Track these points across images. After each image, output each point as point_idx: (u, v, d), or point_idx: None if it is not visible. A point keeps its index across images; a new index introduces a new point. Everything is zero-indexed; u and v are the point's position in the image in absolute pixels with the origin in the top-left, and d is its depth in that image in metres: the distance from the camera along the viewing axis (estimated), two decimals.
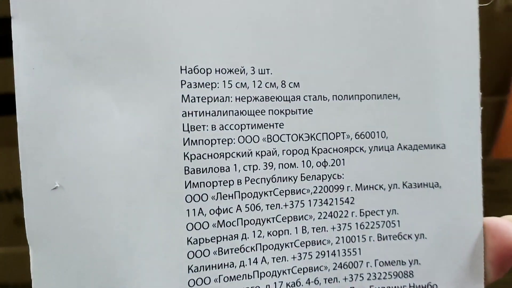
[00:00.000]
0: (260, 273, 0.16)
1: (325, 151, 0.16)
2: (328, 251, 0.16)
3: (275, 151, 0.16)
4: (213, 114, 0.15)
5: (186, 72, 0.15)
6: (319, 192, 0.16)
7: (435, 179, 0.17)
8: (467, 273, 0.17)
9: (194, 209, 0.15)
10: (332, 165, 0.16)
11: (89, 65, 0.14)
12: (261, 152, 0.16)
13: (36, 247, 0.14)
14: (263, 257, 0.16)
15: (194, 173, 0.15)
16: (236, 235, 0.15)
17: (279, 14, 0.15)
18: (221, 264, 0.15)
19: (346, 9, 0.16)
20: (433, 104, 0.17)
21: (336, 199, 0.16)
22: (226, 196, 0.15)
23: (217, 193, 0.15)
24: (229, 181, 0.15)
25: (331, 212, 0.16)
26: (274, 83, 0.16)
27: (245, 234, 0.15)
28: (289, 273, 0.16)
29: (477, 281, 0.17)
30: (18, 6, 0.14)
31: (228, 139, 0.15)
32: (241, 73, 0.15)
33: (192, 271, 0.15)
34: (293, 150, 0.16)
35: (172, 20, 0.15)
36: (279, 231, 0.16)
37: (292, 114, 0.16)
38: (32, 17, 0.14)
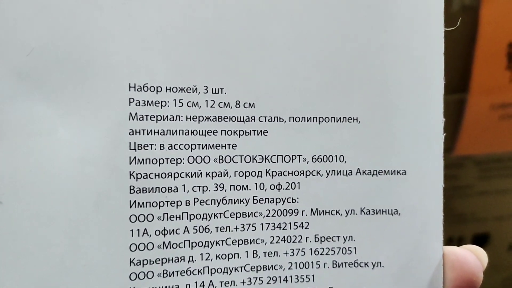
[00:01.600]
0: None
1: (279, 174, 0.16)
2: (280, 277, 0.16)
3: (227, 172, 0.15)
4: (162, 133, 0.15)
5: (134, 90, 0.14)
6: (272, 216, 0.16)
7: (395, 206, 0.16)
8: None
9: (138, 230, 0.14)
10: (286, 189, 0.16)
11: (34, 80, 0.14)
12: (212, 173, 0.15)
13: None
14: (211, 281, 0.15)
15: (139, 192, 0.14)
16: (182, 258, 0.15)
17: (236, 32, 0.15)
18: (166, 287, 0.15)
19: (306, 29, 0.16)
20: (394, 128, 0.16)
21: (289, 223, 0.16)
22: (173, 217, 0.15)
23: (164, 214, 0.15)
24: (177, 201, 0.15)
25: (284, 236, 0.16)
26: (228, 103, 0.15)
27: (192, 256, 0.15)
28: None
29: None
30: None
31: (177, 159, 0.15)
32: (193, 92, 0.15)
33: None
34: (245, 172, 0.15)
35: (121, 36, 0.14)
36: (228, 255, 0.15)
37: (246, 135, 0.15)
38: None
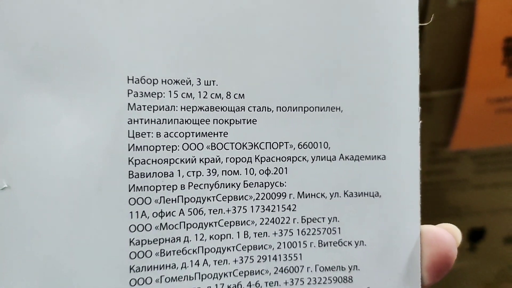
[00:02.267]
0: (202, 275, 0.16)
1: (268, 160, 0.17)
2: (269, 256, 0.17)
3: (219, 158, 0.16)
4: (158, 122, 0.16)
5: (133, 82, 0.16)
6: (262, 199, 0.17)
7: (375, 188, 0.17)
8: (404, 279, 0.17)
9: (137, 212, 0.16)
10: (274, 173, 0.17)
11: (39, 72, 0.15)
12: (205, 159, 0.16)
13: None
14: (205, 259, 0.16)
15: (138, 177, 0.16)
16: (178, 238, 0.16)
17: (228, 27, 0.16)
18: (163, 265, 0.16)
19: (292, 27, 0.17)
20: (374, 117, 0.17)
21: (278, 205, 0.17)
22: (169, 200, 0.16)
23: (160, 197, 0.16)
24: (173, 185, 0.16)
25: (273, 218, 0.17)
26: (219, 94, 0.16)
27: (188, 237, 0.16)
28: (230, 275, 0.17)
29: (413, 287, 0.17)
30: None
31: (172, 146, 0.16)
32: (187, 83, 0.16)
33: (134, 271, 0.16)
34: (236, 158, 0.17)
35: (121, 33, 0.15)
36: (221, 235, 0.16)
37: (236, 123, 0.17)
38: None
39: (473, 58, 0.41)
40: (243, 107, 0.17)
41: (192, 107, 0.16)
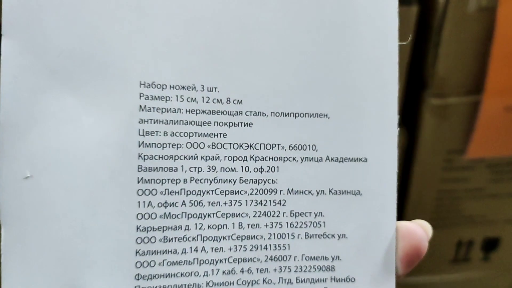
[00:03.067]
0: (200, 260, 0.18)
1: (262, 159, 0.19)
2: (260, 245, 0.19)
3: (218, 156, 0.18)
4: (166, 123, 0.18)
5: (144, 87, 0.18)
6: (255, 194, 0.19)
7: (357, 187, 0.19)
8: (381, 269, 0.19)
9: (144, 202, 0.18)
10: (267, 171, 0.19)
11: (63, 76, 0.17)
12: (206, 156, 0.18)
13: (7, 227, 0.17)
14: (203, 247, 0.18)
15: (146, 171, 0.18)
16: (180, 226, 0.18)
17: (229, 41, 0.18)
18: (166, 250, 0.18)
19: (288, 41, 0.19)
20: (358, 123, 0.19)
21: (269, 200, 0.19)
22: (173, 192, 0.18)
23: (165, 189, 0.18)
24: (176, 179, 0.18)
25: (265, 211, 0.19)
26: (220, 99, 0.18)
27: (188, 226, 0.18)
28: (225, 262, 0.18)
29: (389, 275, 0.19)
30: (8, 27, 0.17)
31: (177, 144, 0.18)
32: (192, 89, 0.18)
33: (140, 255, 0.17)
34: (233, 157, 0.19)
35: (135, 43, 0.18)
36: (218, 225, 0.18)
37: (234, 126, 0.19)
38: (18, 36, 0.17)
39: (492, 64, 0.39)
40: (241, 112, 0.19)
41: (196, 110, 0.18)
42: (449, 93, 0.42)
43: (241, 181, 0.19)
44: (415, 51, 0.46)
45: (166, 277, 0.18)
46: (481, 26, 0.40)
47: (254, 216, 0.19)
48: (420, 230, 0.19)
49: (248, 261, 0.19)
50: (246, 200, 0.19)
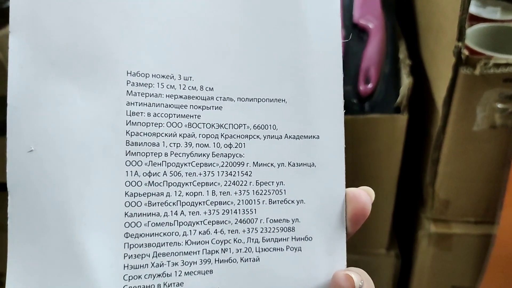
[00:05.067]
0: (179, 222, 0.21)
1: (230, 137, 0.22)
2: (231, 210, 0.22)
3: (193, 134, 0.22)
4: (149, 105, 0.21)
5: (130, 75, 0.21)
6: (225, 166, 0.22)
7: (312, 160, 0.23)
8: (334, 228, 0.23)
9: (131, 171, 0.21)
10: (235, 147, 0.22)
11: (61, 67, 0.20)
12: (183, 134, 0.22)
13: (13, 194, 0.19)
14: (182, 211, 0.21)
15: (133, 145, 0.21)
16: (162, 193, 0.21)
17: (202, 37, 0.22)
18: (150, 213, 0.21)
19: (249, 38, 0.23)
20: (311, 107, 0.23)
21: (238, 172, 0.22)
22: (156, 164, 0.21)
23: (149, 161, 0.21)
24: (158, 153, 0.21)
25: (234, 181, 0.22)
26: (195, 86, 0.22)
27: (169, 192, 0.21)
28: (201, 224, 0.22)
29: (341, 233, 0.23)
30: (15, 25, 0.20)
31: (159, 123, 0.21)
32: (171, 78, 0.22)
33: (128, 216, 0.20)
34: (207, 135, 0.22)
35: (123, 40, 0.21)
36: (194, 193, 0.22)
37: (207, 109, 0.22)
38: (23, 33, 0.20)
39: (509, 193, 0.33)
40: (212, 97, 0.22)
41: (174, 95, 0.22)
42: (452, 219, 0.37)
43: (213, 155, 0.22)
44: (411, 162, 0.42)
45: (151, 236, 0.21)
46: (493, 146, 0.35)
47: (225, 185, 0.22)
48: (364, 194, 0.22)
49: (221, 223, 0.22)
50: (218, 171, 0.22)
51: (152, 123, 0.21)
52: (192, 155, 0.22)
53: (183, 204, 0.21)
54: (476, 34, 0.47)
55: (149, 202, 0.21)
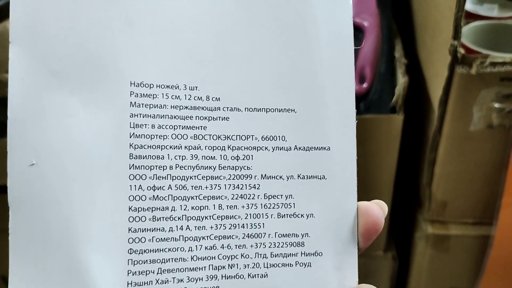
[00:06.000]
0: (185, 238, 0.21)
1: (238, 149, 0.22)
2: (238, 224, 0.21)
3: (200, 146, 0.21)
4: (153, 117, 0.21)
5: (134, 86, 0.20)
6: (233, 179, 0.21)
7: (322, 173, 0.22)
8: (345, 243, 0.22)
9: (135, 185, 0.20)
10: (243, 159, 0.22)
11: (63, 77, 0.20)
12: (189, 146, 0.21)
13: (14, 209, 0.19)
14: (187, 225, 0.21)
15: (136, 158, 0.20)
16: (167, 207, 0.20)
17: (207, 46, 0.21)
18: (154, 228, 0.20)
19: (257, 46, 0.22)
20: (321, 117, 0.22)
21: (245, 185, 0.22)
22: (160, 177, 0.20)
23: (154, 174, 0.20)
24: (163, 166, 0.20)
25: (241, 194, 0.21)
26: (201, 96, 0.21)
27: (174, 207, 0.21)
28: (207, 239, 0.21)
29: (352, 249, 0.22)
30: (15, 35, 0.19)
31: (163, 135, 0.21)
32: (176, 88, 0.21)
33: (132, 232, 0.20)
34: (213, 147, 0.21)
35: (126, 49, 0.20)
36: (200, 207, 0.21)
37: (213, 120, 0.21)
38: (24, 43, 0.19)
39: (507, 194, 0.32)
40: (219, 107, 0.21)
41: (179, 106, 0.21)
42: (449, 221, 0.36)
43: (220, 168, 0.21)
44: (407, 163, 0.41)
45: (155, 252, 0.20)
46: (490, 146, 0.35)
47: (232, 199, 0.21)
48: (377, 208, 0.22)
49: (228, 238, 0.21)
50: (225, 185, 0.21)
51: (157, 135, 0.21)
52: (198, 168, 0.21)
53: (189, 218, 0.21)
54: (473, 32, 0.46)
55: (154, 217, 0.20)
